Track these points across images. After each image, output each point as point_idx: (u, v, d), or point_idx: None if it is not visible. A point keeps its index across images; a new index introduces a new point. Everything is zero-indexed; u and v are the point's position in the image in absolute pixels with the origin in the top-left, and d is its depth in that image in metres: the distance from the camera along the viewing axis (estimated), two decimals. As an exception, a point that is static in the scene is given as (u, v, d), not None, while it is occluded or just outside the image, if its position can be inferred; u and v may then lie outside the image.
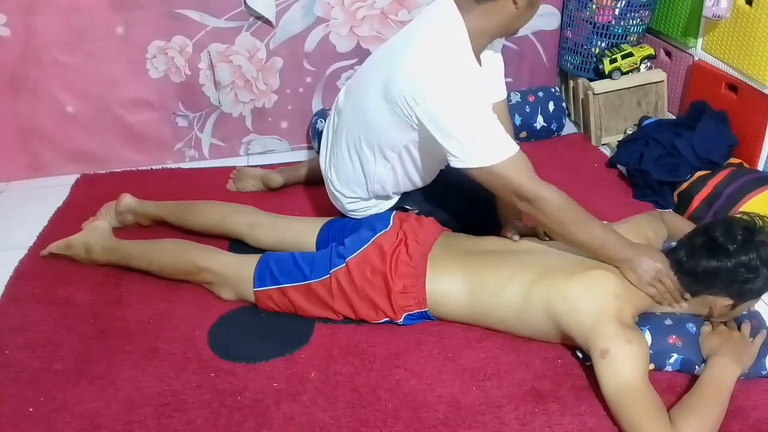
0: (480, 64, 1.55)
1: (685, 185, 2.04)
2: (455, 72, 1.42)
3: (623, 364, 1.28)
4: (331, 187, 1.77)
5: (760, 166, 2.07)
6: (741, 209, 1.85)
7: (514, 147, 1.43)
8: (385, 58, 1.55)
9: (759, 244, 1.33)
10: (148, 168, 2.44)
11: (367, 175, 1.65)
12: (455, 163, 1.45)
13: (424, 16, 1.53)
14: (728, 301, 1.40)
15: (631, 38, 2.43)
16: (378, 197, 1.72)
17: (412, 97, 1.43)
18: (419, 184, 1.71)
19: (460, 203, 1.79)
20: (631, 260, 1.42)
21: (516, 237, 1.61)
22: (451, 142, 1.42)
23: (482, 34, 1.50)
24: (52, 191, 2.27)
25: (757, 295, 1.42)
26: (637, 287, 1.43)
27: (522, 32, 2.48)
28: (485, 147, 1.42)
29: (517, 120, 2.45)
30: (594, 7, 2.37)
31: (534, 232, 1.63)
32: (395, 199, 1.74)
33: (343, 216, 1.81)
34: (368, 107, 1.56)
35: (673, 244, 1.51)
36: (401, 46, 1.52)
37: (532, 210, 1.44)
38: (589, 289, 1.39)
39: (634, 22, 2.39)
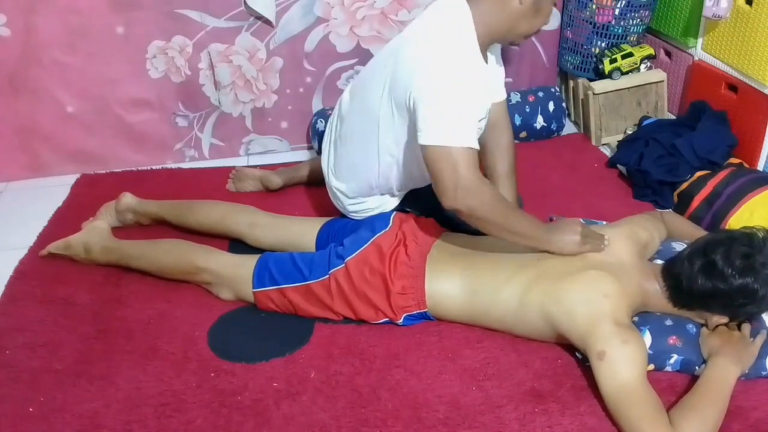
0: (486, 62, 1.56)
1: (685, 185, 2.04)
2: (453, 55, 1.43)
3: (621, 365, 1.28)
4: (334, 188, 1.77)
5: (760, 166, 2.07)
6: (741, 209, 1.85)
7: (476, 143, 1.43)
8: (392, 54, 1.55)
9: (759, 267, 1.32)
10: (148, 168, 2.44)
11: (372, 172, 1.65)
12: (419, 139, 1.42)
13: (434, 6, 1.54)
14: (724, 319, 1.41)
15: (631, 38, 2.43)
16: (382, 194, 1.71)
17: (410, 79, 1.44)
18: (422, 182, 1.71)
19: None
20: (550, 243, 1.48)
21: None
22: (423, 116, 1.41)
23: (488, 30, 1.50)
24: (52, 191, 2.27)
25: (754, 316, 1.43)
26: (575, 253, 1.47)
27: (522, 32, 2.53)
28: (451, 127, 1.40)
29: (517, 120, 2.45)
30: (594, 7, 2.37)
31: None
32: (397, 201, 1.74)
33: (343, 216, 1.81)
34: (374, 103, 1.56)
35: (676, 246, 1.52)
36: (408, 39, 1.53)
37: (465, 203, 1.41)
38: (581, 291, 1.39)
39: (634, 22, 2.39)
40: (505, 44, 1.59)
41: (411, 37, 1.53)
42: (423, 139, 1.42)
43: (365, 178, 1.68)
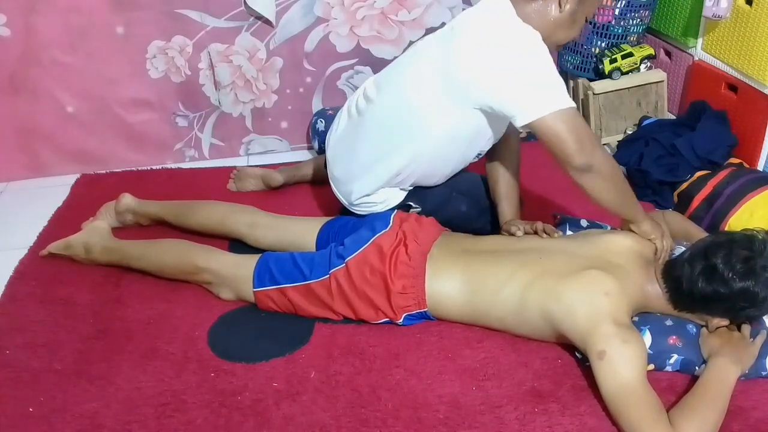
0: None
1: (685, 185, 2.04)
2: (513, 33, 1.46)
3: (620, 365, 1.28)
4: (338, 180, 1.75)
5: (760, 166, 2.07)
6: (741, 209, 1.85)
7: (573, 102, 1.44)
8: (441, 46, 1.55)
9: (760, 271, 1.31)
10: (148, 168, 2.44)
11: (394, 161, 1.64)
12: (522, 120, 1.43)
13: (480, 5, 1.55)
14: (724, 322, 1.41)
15: (631, 38, 2.43)
16: (392, 187, 1.71)
17: (484, 74, 1.45)
18: (437, 178, 1.71)
19: (462, 205, 1.79)
20: (645, 219, 1.52)
21: (520, 232, 1.61)
22: (515, 99, 1.43)
23: None
24: (52, 191, 2.27)
25: (755, 319, 1.43)
26: (644, 238, 1.51)
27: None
28: (548, 94, 1.41)
29: (517, 120, 2.44)
30: (594, 7, 2.37)
31: (534, 229, 1.63)
32: (403, 195, 1.74)
33: (343, 214, 1.81)
34: (418, 94, 1.56)
35: (677, 247, 1.52)
36: (456, 30, 1.53)
37: (595, 155, 1.42)
38: (581, 291, 1.39)
39: (634, 22, 2.39)
40: None
41: (466, 33, 1.51)
42: (528, 118, 1.42)
43: (386, 169, 1.66)
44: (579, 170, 1.42)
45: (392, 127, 1.63)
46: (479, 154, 1.70)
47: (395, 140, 1.63)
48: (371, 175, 1.68)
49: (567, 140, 1.40)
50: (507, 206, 1.73)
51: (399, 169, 1.64)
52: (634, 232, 1.53)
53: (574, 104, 1.43)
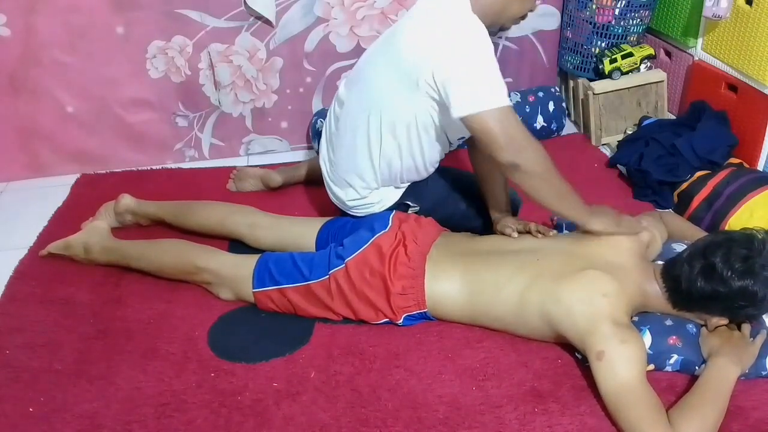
0: None
1: (685, 185, 2.04)
2: (461, 26, 1.46)
3: (619, 365, 1.28)
4: (332, 185, 1.76)
5: (760, 166, 2.07)
6: (741, 209, 1.85)
7: (509, 100, 1.45)
8: (392, 36, 1.57)
9: (758, 270, 1.31)
10: (148, 168, 2.44)
11: (374, 158, 1.64)
12: (458, 112, 1.43)
13: None
14: (724, 321, 1.41)
15: (631, 38, 2.43)
16: (384, 184, 1.70)
17: (428, 62, 1.45)
18: (422, 170, 1.70)
19: (460, 203, 1.79)
20: (591, 218, 1.52)
21: (514, 234, 1.61)
22: (454, 91, 1.43)
23: (483, 12, 1.51)
24: (52, 191, 2.27)
25: (754, 318, 1.43)
26: (611, 233, 1.51)
27: (522, 32, 2.53)
28: (485, 92, 1.42)
29: (517, 120, 2.44)
30: (594, 7, 2.37)
31: (527, 229, 1.63)
32: (399, 194, 1.74)
33: (343, 215, 1.81)
34: (377, 86, 1.57)
35: (676, 247, 1.51)
36: (408, 22, 1.54)
37: (522, 155, 1.43)
38: (580, 291, 1.39)
39: (634, 22, 2.39)
40: (495, 29, 1.61)
41: (412, 21, 1.53)
42: (463, 111, 1.43)
43: (366, 168, 1.66)
44: (507, 168, 1.44)
45: (361, 127, 1.63)
46: (461, 138, 1.69)
47: (365, 140, 1.63)
48: (356, 178, 1.69)
49: (495, 138, 1.42)
50: (494, 203, 1.74)
51: (380, 167, 1.65)
52: (590, 233, 1.52)
53: (510, 103, 1.44)
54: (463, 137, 1.68)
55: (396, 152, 1.62)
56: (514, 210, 1.78)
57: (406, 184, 1.73)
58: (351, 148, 1.66)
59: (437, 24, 1.48)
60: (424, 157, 1.66)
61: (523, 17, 1.60)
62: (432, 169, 1.73)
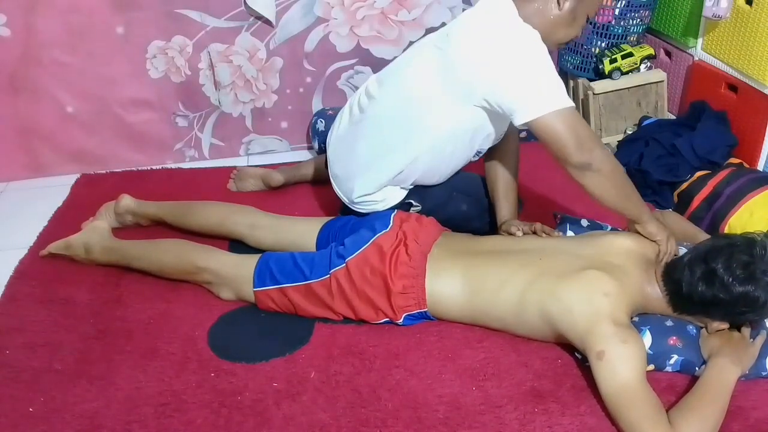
0: None
1: (685, 185, 2.04)
2: (514, 32, 1.47)
3: (619, 365, 1.28)
4: (340, 177, 1.76)
5: (760, 166, 2.07)
6: (741, 209, 1.85)
7: (572, 101, 1.45)
8: (442, 42, 1.56)
9: (760, 276, 1.31)
10: (148, 168, 2.44)
11: (400, 157, 1.64)
12: (521, 119, 1.44)
13: (479, 5, 1.56)
14: (724, 325, 1.41)
15: (631, 38, 2.43)
16: (396, 184, 1.70)
17: (482, 72, 1.46)
18: (442, 175, 1.72)
19: (462, 204, 1.79)
20: (651, 220, 1.50)
21: (519, 233, 1.62)
22: (514, 97, 1.44)
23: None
24: (52, 191, 2.27)
25: (755, 322, 1.42)
26: (649, 240, 1.50)
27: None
28: (548, 94, 1.43)
29: (517, 120, 2.44)
30: (594, 7, 2.37)
31: (532, 230, 1.63)
32: (402, 195, 1.74)
33: (344, 214, 1.81)
34: (421, 90, 1.58)
35: (681, 248, 1.51)
36: (461, 29, 1.54)
37: (593, 154, 1.42)
38: (581, 291, 1.39)
39: (634, 22, 2.39)
40: None
41: (466, 29, 1.53)
42: (526, 117, 1.43)
43: (387, 167, 1.66)
44: (577, 169, 1.43)
45: (393, 125, 1.63)
46: (479, 153, 1.71)
47: (396, 138, 1.63)
48: (372, 173, 1.68)
49: (565, 139, 1.41)
50: (505, 206, 1.74)
51: (400, 167, 1.65)
52: (639, 233, 1.52)
53: (572, 103, 1.44)
54: (481, 151, 1.70)
55: (426, 154, 1.63)
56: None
57: (413, 186, 1.74)
58: (378, 143, 1.66)
59: (492, 35, 1.48)
60: (450, 163, 1.68)
61: (567, 43, 1.60)
62: (445, 178, 1.75)
